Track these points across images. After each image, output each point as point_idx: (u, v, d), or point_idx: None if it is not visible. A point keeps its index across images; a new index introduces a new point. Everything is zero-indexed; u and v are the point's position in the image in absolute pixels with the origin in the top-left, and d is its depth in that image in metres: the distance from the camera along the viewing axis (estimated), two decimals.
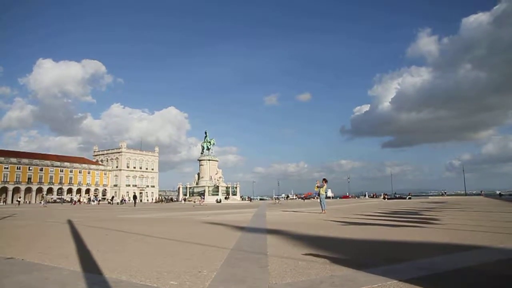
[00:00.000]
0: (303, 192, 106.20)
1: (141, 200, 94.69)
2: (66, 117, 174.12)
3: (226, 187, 64.98)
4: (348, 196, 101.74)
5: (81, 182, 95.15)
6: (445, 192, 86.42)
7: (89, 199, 73.83)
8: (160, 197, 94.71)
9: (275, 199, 68.43)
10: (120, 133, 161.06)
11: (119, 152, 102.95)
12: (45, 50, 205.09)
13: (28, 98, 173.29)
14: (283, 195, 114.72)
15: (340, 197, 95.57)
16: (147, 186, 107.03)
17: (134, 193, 64.10)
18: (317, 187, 16.13)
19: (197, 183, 65.82)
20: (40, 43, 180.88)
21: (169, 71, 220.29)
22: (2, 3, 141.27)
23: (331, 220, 11.04)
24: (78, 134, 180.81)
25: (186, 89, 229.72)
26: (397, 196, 75.12)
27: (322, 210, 15.11)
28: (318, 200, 16.46)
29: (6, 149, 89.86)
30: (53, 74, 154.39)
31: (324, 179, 16.01)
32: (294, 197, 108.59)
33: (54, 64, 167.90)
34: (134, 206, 36.74)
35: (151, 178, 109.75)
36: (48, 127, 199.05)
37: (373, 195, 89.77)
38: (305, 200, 66.12)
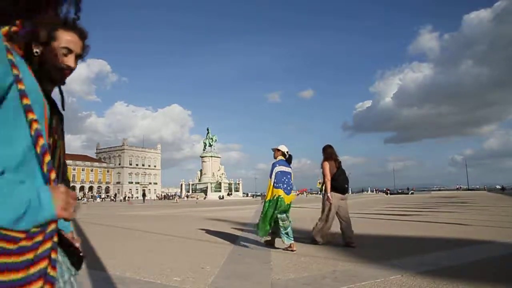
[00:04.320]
0: (304, 188, 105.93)
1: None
2: (71, 115, 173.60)
3: (229, 184, 65.07)
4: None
5: (84, 180, 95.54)
6: (460, 187, 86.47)
7: (92, 196, 74.18)
8: (163, 194, 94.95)
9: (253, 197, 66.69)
10: (124, 130, 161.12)
11: (121, 150, 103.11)
12: None
13: None
14: None
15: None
16: (150, 183, 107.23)
17: (144, 190, 64.30)
18: (319, 183, 16.18)
19: (199, 180, 65.93)
20: None
21: (173, 69, 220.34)
22: None
23: None
24: (82, 132, 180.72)
25: (190, 86, 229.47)
26: (400, 191, 75.01)
27: None
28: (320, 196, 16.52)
29: None
30: None
31: None
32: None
33: None
34: (143, 202, 37.51)
35: (154, 175, 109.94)
36: None
37: (376, 191, 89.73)
38: (301, 196, 65.84)
